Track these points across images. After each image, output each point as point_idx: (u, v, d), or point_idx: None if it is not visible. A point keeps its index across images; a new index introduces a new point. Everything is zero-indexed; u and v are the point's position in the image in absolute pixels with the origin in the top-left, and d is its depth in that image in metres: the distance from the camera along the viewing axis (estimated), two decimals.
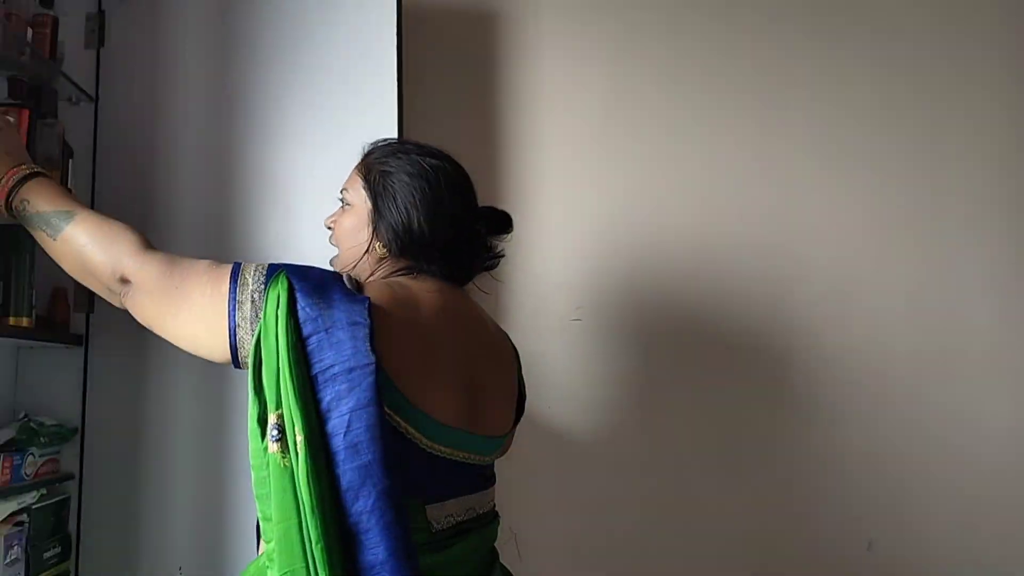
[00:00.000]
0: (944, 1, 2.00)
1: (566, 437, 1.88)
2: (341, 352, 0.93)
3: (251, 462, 0.96)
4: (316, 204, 1.51)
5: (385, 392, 0.94)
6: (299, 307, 0.96)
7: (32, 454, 1.48)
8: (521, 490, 1.75)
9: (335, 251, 1.21)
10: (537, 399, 1.62)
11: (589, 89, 1.99)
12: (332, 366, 0.93)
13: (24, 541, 1.42)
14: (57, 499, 1.53)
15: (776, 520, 1.86)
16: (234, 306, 1.00)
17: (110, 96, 1.66)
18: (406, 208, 1.12)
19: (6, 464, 1.42)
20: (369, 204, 1.15)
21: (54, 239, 1.10)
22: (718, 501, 1.87)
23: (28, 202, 1.11)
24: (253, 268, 1.03)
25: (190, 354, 1.06)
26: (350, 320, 0.95)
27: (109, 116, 1.65)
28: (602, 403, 1.90)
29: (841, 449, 1.86)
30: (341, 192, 1.20)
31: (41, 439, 1.49)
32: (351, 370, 0.92)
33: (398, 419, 0.96)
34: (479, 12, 2.00)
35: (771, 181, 1.96)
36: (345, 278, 1.03)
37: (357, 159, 1.21)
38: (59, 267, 1.58)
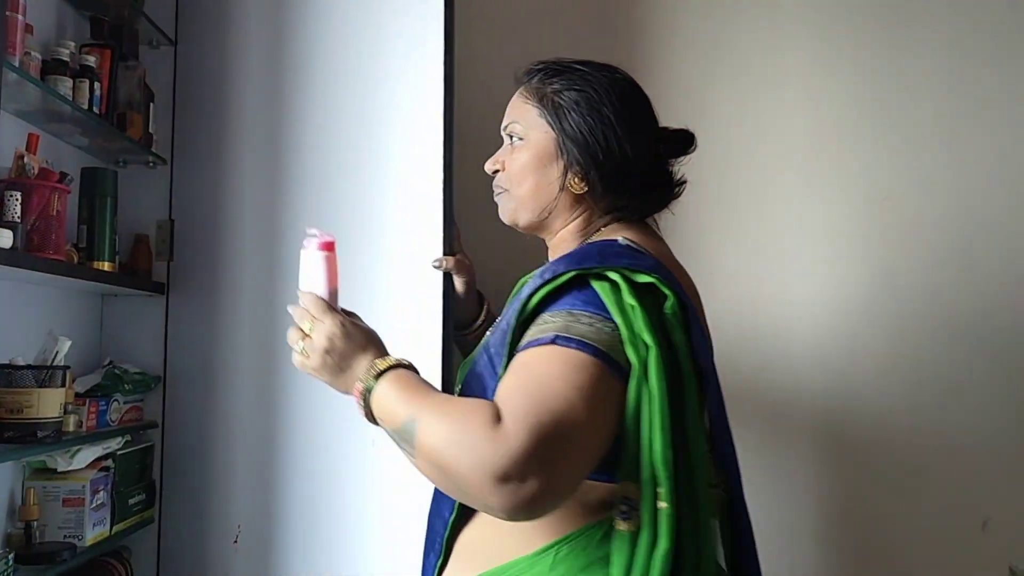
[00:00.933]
0: None
1: None
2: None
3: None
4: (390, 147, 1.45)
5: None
6: (693, 329, 0.91)
7: (117, 400, 1.48)
8: None
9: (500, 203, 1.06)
10: None
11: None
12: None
13: (110, 486, 1.42)
14: (141, 446, 1.53)
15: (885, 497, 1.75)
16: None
17: (189, 40, 1.62)
18: (603, 130, 0.98)
19: (92, 409, 1.42)
20: (554, 132, 1.00)
21: (414, 457, 0.85)
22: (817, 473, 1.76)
23: (382, 420, 0.88)
24: (591, 322, 0.86)
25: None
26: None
27: (188, 61, 1.62)
28: None
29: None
30: (506, 127, 1.05)
31: (125, 386, 1.49)
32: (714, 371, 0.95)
33: None
34: None
35: None
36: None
37: None
38: (142, 213, 1.61)
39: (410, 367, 0.91)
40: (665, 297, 0.89)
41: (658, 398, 0.84)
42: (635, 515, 0.84)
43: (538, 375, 0.82)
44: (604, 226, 1.02)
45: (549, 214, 1.03)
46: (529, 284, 0.92)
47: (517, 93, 1.05)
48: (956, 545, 1.72)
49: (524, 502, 0.76)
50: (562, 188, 1.01)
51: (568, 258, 0.92)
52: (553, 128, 1.00)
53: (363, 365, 0.90)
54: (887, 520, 1.75)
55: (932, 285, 1.78)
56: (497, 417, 0.78)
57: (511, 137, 1.05)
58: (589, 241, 1.01)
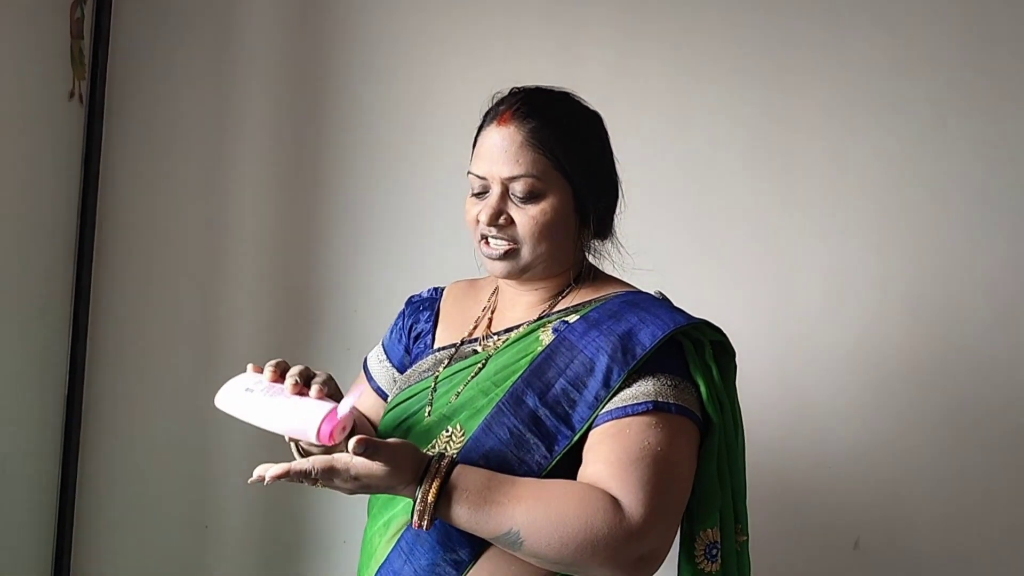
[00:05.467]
0: None
1: None
2: None
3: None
4: None
5: None
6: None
7: None
8: None
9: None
10: None
11: None
12: None
13: None
14: None
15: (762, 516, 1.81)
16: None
17: None
18: (609, 178, 1.00)
19: None
20: (571, 188, 0.96)
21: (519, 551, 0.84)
22: None
23: (468, 529, 0.84)
24: (676, 383, 0.90)
25: None
26: None
27: None
28: None
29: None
30: (516, 177, 0.94)
31: None
32: None
33: None
34: None
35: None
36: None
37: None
38: None
39: (451, 462, 0.84)
40: (732, 355, 0.96)
41: (738, 448, 0.94)
42: (718, 554, 0.93)
43: (646, 448, 0.84)
44: (604, 274, 1.05)
45: (565, 270, 1.01)
46: (610, 342, 0.90)
47: (512, 132, 0.95)
48: (829, 564, 1.80)
49: (648, 569, 0.84)
50: (575, 242, 1.00)
51: (642, 311, 0.93)
52: (571, 183, 0.96)
53: (411, 491, 0.82)
54: (759, 541, 1.81)
55: (802, 311, 1.79)
56: (616, 504, 0.81)
57: (522, 197, 0.95)
58: (596, 285, 1.01)
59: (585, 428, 0.88)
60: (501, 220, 0.96)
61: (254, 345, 1.73)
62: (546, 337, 0.95)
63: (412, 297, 1.18)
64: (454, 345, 1.04)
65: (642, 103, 1.77)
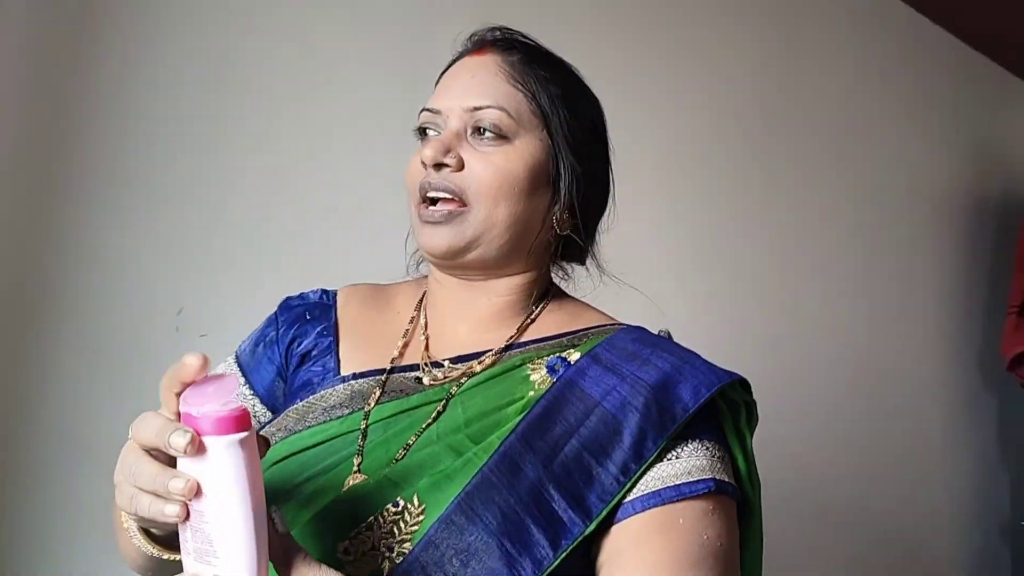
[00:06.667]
0: None
1: None
2: None
3: None
4: None
5: None
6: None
7: None
8: None
9: None
10: None
11: None
12: None
13: None
14: None
15: None
16: None
17: None
18: (603, 161, 0.78)
19: None
20: (551, 142, 0.73)
21: None
22: None
23: None
24: (715, 450, 0.66)
25: None
26: None
27: None
28: None
29: None
30: (480, 108, 0.72)
31: None
32: None
33: None
34: None
35: None
36: None
37: None
38: None
39: None
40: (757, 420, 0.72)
41: (759, 532, 0.71)
42: None
43: (707, 546, 0.61)
44: (547, 290, 0.80)
45: (527, 253, 0.75)
46: (638, 394, 0.65)
47: (487, 61, 0.74)
48: None
49: None
50: (543, 223, 0.75)
51: (669, 356, 0.69)
52: (553, 137, 0.73)
53: None
54: None
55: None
56: None
57: (481, 130, 0.72)
58: (571, 310, 0.78)
59: (606, 513, 0.62)
60: (448, 159, 0.70)
61: None
62: (539, 377, 0.70)
63: (290, 299, 0.85)
64: (381, 371, 0.75)
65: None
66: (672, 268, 1.64)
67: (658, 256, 1.62)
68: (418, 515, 0.62)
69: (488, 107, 0.70)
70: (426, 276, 0.81)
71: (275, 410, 0.79)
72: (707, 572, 0.60)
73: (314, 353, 0.79)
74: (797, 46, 1.90)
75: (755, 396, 0.71)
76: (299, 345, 0.80)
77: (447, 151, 0.70)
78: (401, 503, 0.63)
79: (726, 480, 0.64)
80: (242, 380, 0.81)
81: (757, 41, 1.82)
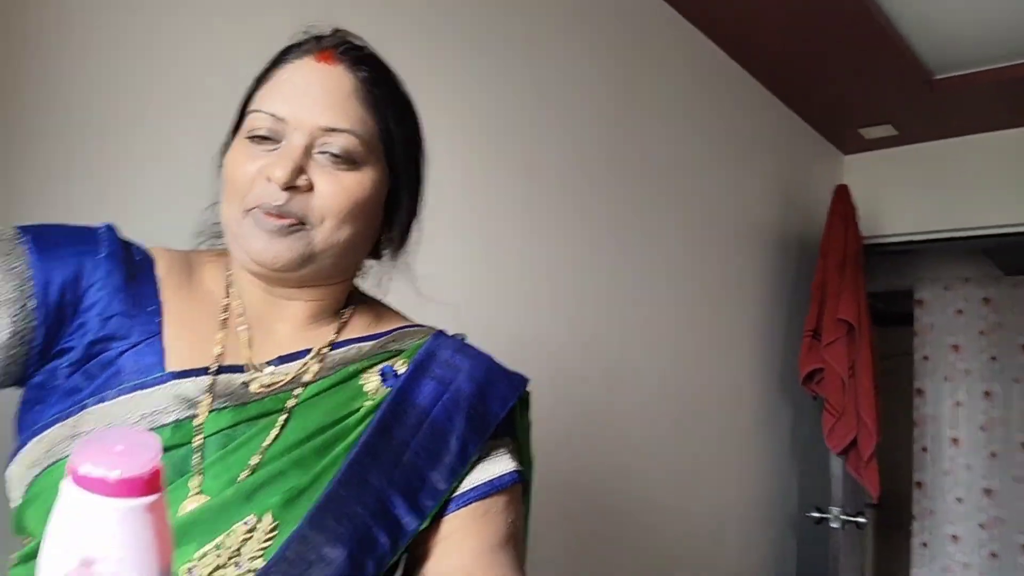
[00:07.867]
0: None
1: None
2: None
3: None
4: None
5: None
6: None
7: None
8: None
9: None
10: None
11: None
12: None
13: None
14: None
15: None
16: None
17: None
18: (421, 175, 0.79)
19: None
20: (386, 167, 0.74)
21: None
22: None
23: None
24: (506, 441, 0.79)
25: None
26: None
27: None
28: None
29: None
30: (334, 128, 0.69)
31: None
32: None
33: None
34: None
35: None
36: None
37: None
38: None
39: None
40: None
41: (529, 503, 0.80)
42: None
43: (511, 526, 0.73)
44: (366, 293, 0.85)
45: (346, 279, 0.78)
46: (457, 403, 0.74)
47: (339, 74, 0.70)
48: None
49: None
50: (374, 243, 0.78)
51: (474, 362, 0.78)
52: (394, 168, 0.75)
53: None
54: None
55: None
56: None
57: (340, 159, 0.69)
58: (375, 311, 0.82)
59: (435, 512, 0.70)
60: (301, 181, 0.67)
61: None
62: (372, 386, 0.73)
63: (130, 246, 0.72)
64: (204, 371, 0.68)
65: None
66: (500, 295, 1.68)
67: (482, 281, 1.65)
68: (270, 531, 0.63)
69: (344, 131, 0.69)
70: (226, 252, 0.76)
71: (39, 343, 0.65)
72: (512, 550, 0.72)
73: (126, 334, 0.67)
74: (639, 92, 2.05)
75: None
76: (104, 318, 0.67)
77: (299, 173, 0.67)
78: (252, 520, 0.63)
79: (522, 470, 0.76)
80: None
81: (602, 84, 1.93)
